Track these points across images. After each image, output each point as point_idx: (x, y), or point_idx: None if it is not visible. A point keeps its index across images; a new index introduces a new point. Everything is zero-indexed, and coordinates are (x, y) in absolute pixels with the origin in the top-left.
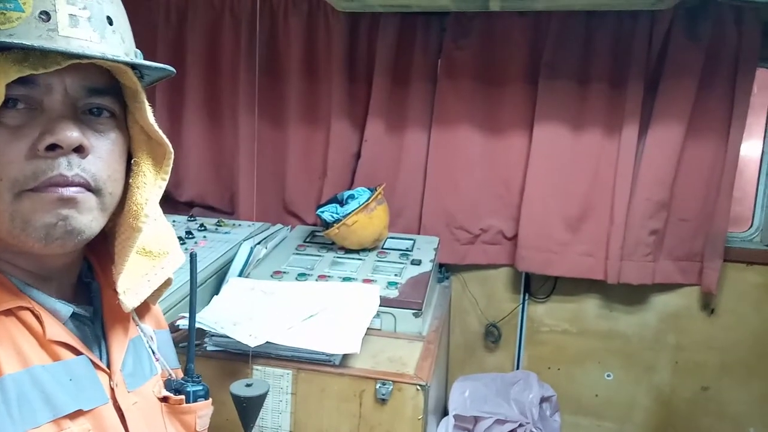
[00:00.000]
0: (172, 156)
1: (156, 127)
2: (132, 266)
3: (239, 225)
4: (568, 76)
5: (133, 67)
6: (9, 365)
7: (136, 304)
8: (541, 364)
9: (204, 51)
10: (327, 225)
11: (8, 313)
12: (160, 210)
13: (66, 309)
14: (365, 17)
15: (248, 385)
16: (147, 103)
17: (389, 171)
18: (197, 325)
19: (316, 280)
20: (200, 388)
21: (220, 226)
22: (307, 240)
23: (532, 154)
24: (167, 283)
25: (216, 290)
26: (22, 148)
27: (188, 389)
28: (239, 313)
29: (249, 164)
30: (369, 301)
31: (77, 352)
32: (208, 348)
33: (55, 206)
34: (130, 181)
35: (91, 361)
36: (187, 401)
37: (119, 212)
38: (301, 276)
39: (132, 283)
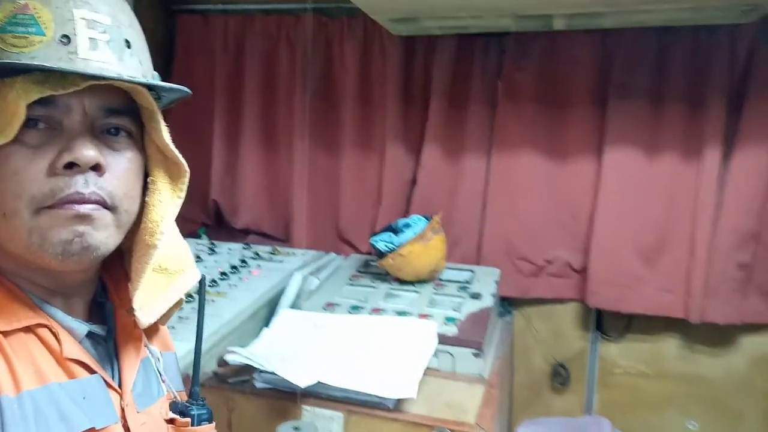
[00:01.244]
0: (188, 175)
1: (172, 146)
2: (148, 283)
3: (293, 253)
4: (641, 96)
5: (150, 88)
6: (27, 381)
7: (153, 320)
8: (615, 409)
9: (260, 78)
10: (381, 254)
11: (27, 330)
12: (176, 228)
13: (82, 328)
14: (421, 40)
15: (296, 429)
16: (163, 123)
17: (446, 198)
18: (245, 361)
19: (370, 314)
20: (204, 411)
21: (275, 254)
22: (361, 270)
23: (601, 180)
24: (178, 303)
25: (267, 322)
26: (42, 167)
27: (193, 412)
28: (289, 348)
29: (303, 191)
30: (426, 340)
31: (91, 371)
32: (257, 385)
33: (71, 223)
34: (147, 199)
35: (104, 380)
36: (193, 424)
37: (135, 230)
38: (354, 309)
39: (148, 299)
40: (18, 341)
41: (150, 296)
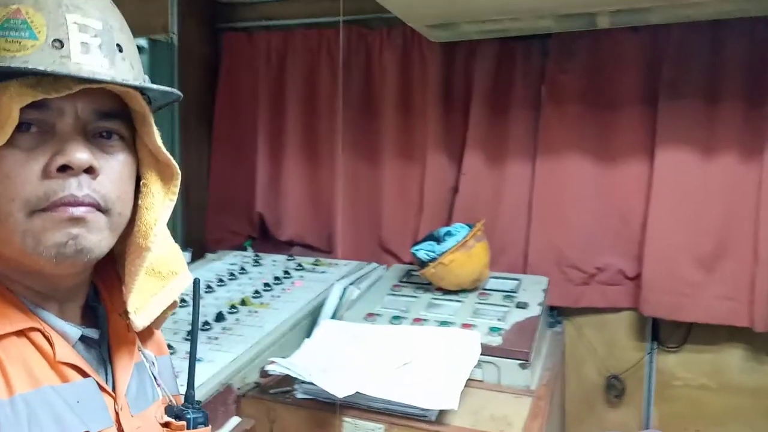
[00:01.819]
0: (180, 177)
1: (164, 149)
2: (142, 286)
3: (336, 264)
4: (694, 94)
5: (142, 91)
6: (20, 385)
7: (147, 323)
8: (675, 424)
9: (302, 92)
10: (422, 264)
11: (20, 333)
12: (167, 231)
13: (75, 331)
14: (461, 46)
15: None
16: (155, 126)
17: (489, 205)
18: (286, 372)
19: (411, 324)
20: (200, 414)
21: (317, 265)
22: (403, 280)
23: (654, 184)
24: (173, 305)
25: (309, 332)
26: (35, 170)
27: (188, 416)
28: (329, 359)
29: (345, 202)
30: (468, 350)
31: (85, 375)
32: (298, 395)
33: (65, 225)
34: (139, 202)
35: (98, 384)
36: (188, 428)
37: (128, 233)
38: (396, 319)
39: (142, 302)
40: (11, 345)
41: (144, 299)
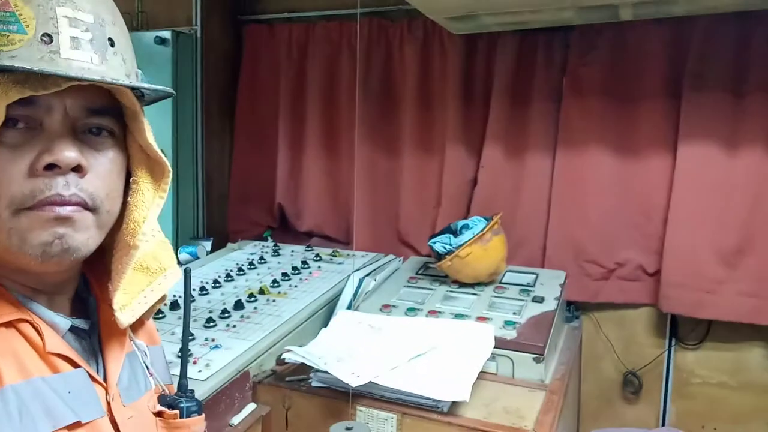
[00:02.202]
0: (171, 174)
1: (155, 146)
2: (128, 283)
3: (353, 255)
4: (719, 86)
5: (133, 87)
6: (10, 376)
7: (132, 320)
8: (693, 421)
9: (322, 84)
10: (439, 256)
11: (9, 325)
12: (158, 226)
13: (64, 322)
14: (482, 38)
15: (348, 429)
16: (146, 123)
17: (508, 198)
18: (301, 360)
19: (426, 316)
20: (193, 403)
21: (335, 256)
22: (420, 272)
23: (676, 177)
24: (162, 298)
25: (326, 322)
26: (22, 167)
27: (182, 405)
28: (345, 349)
29: (363, 194)
30: (482, 343)
31: (75, 365)
32: (314, 383)
33: (51, 225)
34: (129, 199)
35: (89, 374)
36: (181, 416)
37: (117, 229)
38: (411, 311)
39: (128, 299)
40: (0, 336)
41: (130, 296)
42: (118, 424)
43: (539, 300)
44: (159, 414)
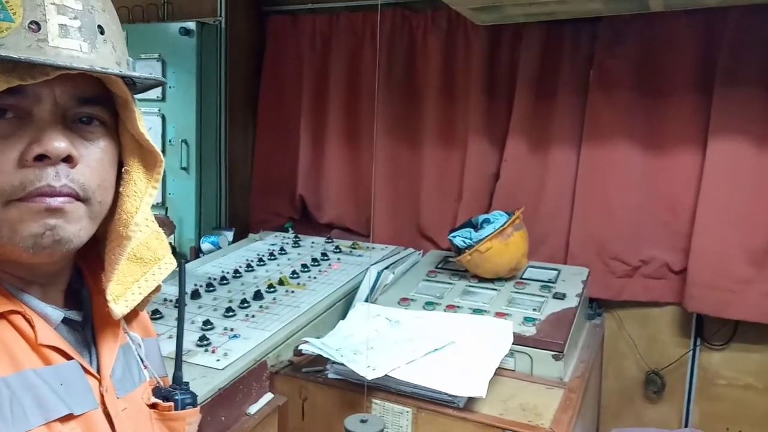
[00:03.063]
0: (163, 164)
1: (147, 135)
2: (122, 273)
3: (373, 248)
4: (751, 81)
5: (124, 76)
6: (1, 368)
7: (126, 311)
8: (717, 423)
9: (345, 75)
10: (459, 251)
11: (0, 317)
12: (151, 216)
13: (57, 314)
14: (507, 29)
15: (363, 421)
16: (137, 112)
17: (531, 193)
18: (317, 351)
19: (444, 311)
20: (188, 395)
21: (355, 248)
22: (440, 266)
23: (705, 174)
24: (156, 289)
25: (344, 314)
26: (11, 158)
27: (177, 397)
28: (362, 341)
29: (384, 186)
30: (500, 339)
31: (68, 357)
32: (330, 375)
33: (42, 216)
34: (121, 189)
35: (82, 366)
36: (176, 408)
37: (110, 219)
38: (429, 305)
39: (122, 290)
40: None
41: (124, 287)
42: (112, 416)
43: (560, 296)
44: (153, 406)
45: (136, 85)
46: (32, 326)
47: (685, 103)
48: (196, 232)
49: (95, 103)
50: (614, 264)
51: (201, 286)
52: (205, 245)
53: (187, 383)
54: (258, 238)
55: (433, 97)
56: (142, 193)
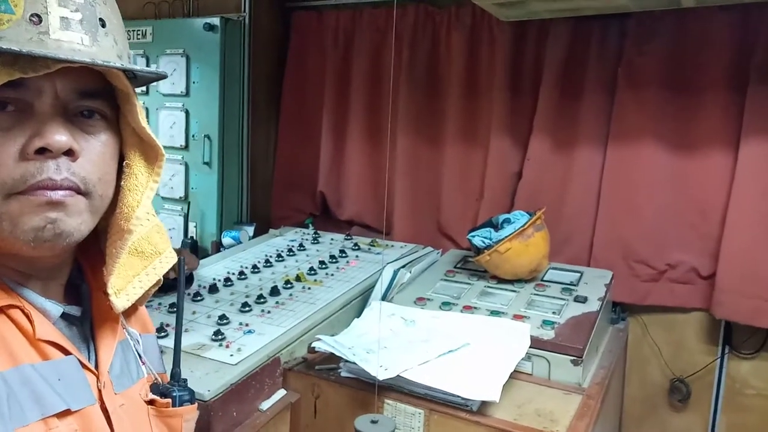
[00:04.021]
0: (164, 158)
1: (148, 128)
2: (123, 267)
3: (392, 246)
4: None
5: (125, 70)
6: None
7: (127, 305)
8: None
9: (367, 72)
10: (477, 251)
11: None
12: (152, 210)
13: (56, 309)
14: (532, 25)
15: (374, 422)
16: (139, 105)
17: (555, 193)
18: (330, 349)
19: (461, 311)
20: (186, 392)
21: (374, 246)
22: (458, 266)
23: (737, 176)
24: (157, 283)
25: (359, 312)
26: (12, 151)
27: (174, 393)
28: (375, 340)
29: (404, 184)
30: (517, 342)
31: (66, 352)
32: (342, 373)
33: (43, 209)
34: (122, 183)
35: (80, 361)
36: (174, 405)
37: (111, 213)
38: (445, 305)
39: (123, 284)
40: None
41: (125, 280)
42: (109, 412)
43: (582, 300)
44: (151, 402)
45: (137, 79)
46: (30, 321)
47: (717, 102)
48: (218, 226)
49: (96, 97)
50: (639, 267)
51: (219, 280)
52: (226, 240)
53: (185, 380)
54: (278, 234)
55: (455, 94)
56: (143, 187)
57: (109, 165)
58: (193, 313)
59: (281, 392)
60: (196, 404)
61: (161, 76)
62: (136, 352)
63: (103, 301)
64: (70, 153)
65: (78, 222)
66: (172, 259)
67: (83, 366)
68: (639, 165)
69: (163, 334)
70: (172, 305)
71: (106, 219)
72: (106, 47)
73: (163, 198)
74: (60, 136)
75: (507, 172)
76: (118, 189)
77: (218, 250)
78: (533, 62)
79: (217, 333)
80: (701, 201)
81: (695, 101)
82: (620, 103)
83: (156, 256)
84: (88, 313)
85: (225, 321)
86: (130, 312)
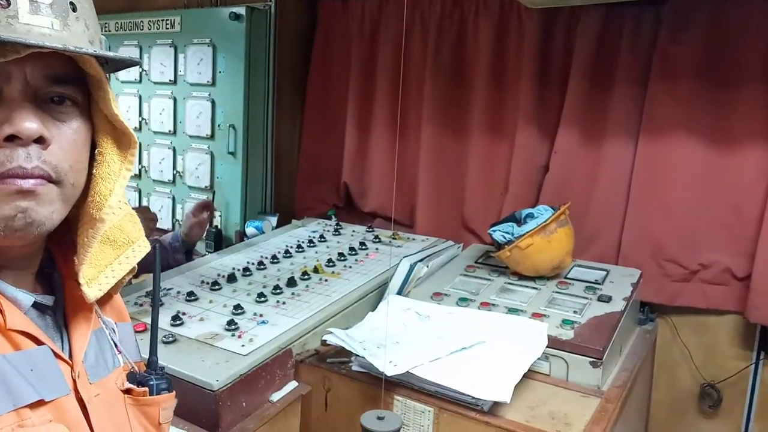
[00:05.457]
0: (137, 146)
1: (120, 116)
2: (95, 257)
3: (413, 239)
4: None
5: (97, 56)
6: None
7: (99, 294)
8: None
9: (393, 62)
10: (498, 246)
11: None
12: (125, 198)
13: (27, 298)
14: (562, 13)
15: (380, 418)
16: (111, 92)
17: (582, 188)
18: (340, 343)
19: (478, 308)
20: (163, 381)
21: (395, 239)
22: (479, 261)
23: None
24: (131, 271)
25: (375, 306)
26: None
27: (151, 382)
28: (388, 335)
29: (427, 176)
30: (533, 341)
31: (39, 342)
32: (354, 367)
33: (14, 198)
34: (94, 171)
35: (53, 351)
36: (151, 394)
37: (82, 201)
38: (462, 301)
39: (95, 273)
40: None
41: (97, 270)
42: (85, 402)
43: (606, 299)
44: (128, 391)
45: (109, 64)
46: (1, 311)
47: (755, 94)
48: (242, 216)
49: (67, 83)
50: (670, 267)
51: (238, 270)
52: (250, 230)
53: (162, 368)
54: (300, 225)
55: (482, 84)
56: (115, 175)
57: (80, 153)
58: (210, 302)
59: (292, 384)
60: (174, 392)
61: (134, 63)
62: (111, 341)
63: (76, 290)
64: (40, 140)
65: (49, 211)
66: (145, 248)
67: (57, 356)
68: (671, 160)
69: (178, 322)
70: (190, 294)
71: (77, 207)
72: (78, 32)
73: (189, 187)
74: (30, 123)
75: (533, 165)
76: (90, 177)
77: (242, 240)
78: (562, 51)
79: (231, 323)
80: (737, 199)
81: (732, 94)
82: (653, 95)
83: (128, 245)
84: (61, 303)
85: (240, 311)
86: (104, 300)
